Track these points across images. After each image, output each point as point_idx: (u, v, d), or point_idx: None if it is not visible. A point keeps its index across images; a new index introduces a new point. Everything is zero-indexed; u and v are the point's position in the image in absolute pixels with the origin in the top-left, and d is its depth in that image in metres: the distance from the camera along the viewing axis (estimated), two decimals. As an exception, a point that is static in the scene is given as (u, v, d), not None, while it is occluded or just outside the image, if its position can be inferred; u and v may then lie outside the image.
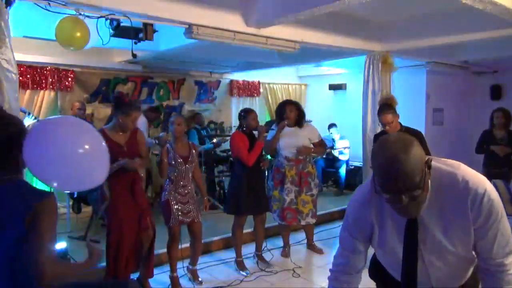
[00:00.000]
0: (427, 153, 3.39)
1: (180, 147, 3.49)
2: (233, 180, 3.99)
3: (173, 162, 3.40)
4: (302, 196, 4.08)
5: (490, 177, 5.52)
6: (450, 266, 1.47)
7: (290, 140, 4.07)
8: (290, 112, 4.06)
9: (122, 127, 3.10)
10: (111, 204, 3.13)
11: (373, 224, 1.50)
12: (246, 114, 3.88)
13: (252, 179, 3.86)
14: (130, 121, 3.09)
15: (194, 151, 3.58)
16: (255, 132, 3.92)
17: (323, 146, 4.37)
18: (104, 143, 1.78)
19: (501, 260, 1.38)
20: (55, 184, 1.56)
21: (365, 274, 1.76)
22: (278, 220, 4.18)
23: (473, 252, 1.44)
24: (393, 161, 1.23)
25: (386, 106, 3.57)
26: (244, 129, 3.86)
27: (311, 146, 4.16)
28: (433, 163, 1.35)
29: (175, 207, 3.41)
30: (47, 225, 1.22)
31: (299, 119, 4.14)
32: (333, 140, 7.03)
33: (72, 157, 1.57)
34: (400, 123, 3.62)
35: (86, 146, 1.62)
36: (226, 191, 6.04)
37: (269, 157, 4.71)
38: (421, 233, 1.40)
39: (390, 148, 1.26)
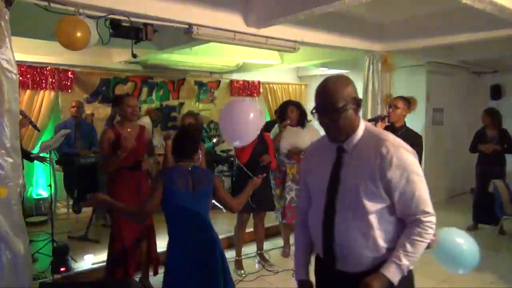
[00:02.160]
0: (420, 156, 3.46)
1: None
2: (239, 178, 3.98)
3: None
4: None
5: (483, 175, 5.59)
6: (350, 219, 1.53)
7: (291, 140, 4.10)
8: (291, 113, 4.11)
9: (125, 117, 3.28)
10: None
11: (317, 156, 1.72)
12: None
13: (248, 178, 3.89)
14: (127, 107, 3.25)
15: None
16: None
17: None
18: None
19: (419, 216, 1.50)
20: (237, 142, 2.95)
21: None
22: (279, 218, 4.18)
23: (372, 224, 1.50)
24: (325, 84, 1.55)
25: (404, 97, 3.68)
26: None
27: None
28: (370, 126, 1.62)
29: None
30: (221, 188, 2.52)
31: (301, 119, 4.17)
32: None
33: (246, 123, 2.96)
34: (405, 122, 3.64)
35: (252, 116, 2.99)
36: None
37: None
38: (343, 170, 1.57)
39: (329, 78, 1.57)
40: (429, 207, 1.51)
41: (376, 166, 1.48)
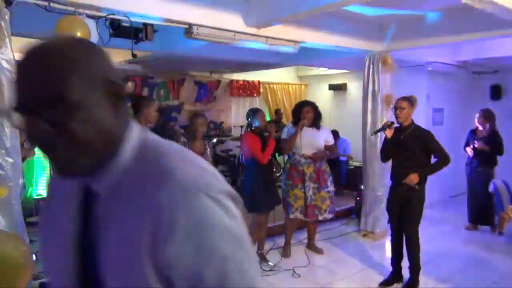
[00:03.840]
0: (440, 152, 3.55)
1: (197, 144, 3.61)
2: (248, 180, 4.04)
3: None
4: (322, 193, 4.18)
5: (471, 175, 5.58)
6: None
7: (309, 140, 4.14)
8: (307, 113, 4.14)
9: (148, 119, 3.28)
10: None
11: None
12: (254, 114, 3.99)
13: (266, 177, 3.99)
14: (153, 110, 3.30)
15: (208, 149, 3.73)
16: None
17: (334, 149, 4.50)
18: None
19: None
20: None
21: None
22: (300, 217, 4.22)
23: None
24: (32, 51, 0.77)
25: (406, 97, 3.68)
26: (253, 128, 3.95)
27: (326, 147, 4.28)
28: (149, 140, 0.82)
29: None
30: None
31: (316, 120, 4.20)
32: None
33: None
34: (412, 120, 3.66)
35: None
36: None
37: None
38: (96, 235, 0.76)
39: (44, 43, 0.81)
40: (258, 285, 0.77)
41: (145, 236, 0.69)
